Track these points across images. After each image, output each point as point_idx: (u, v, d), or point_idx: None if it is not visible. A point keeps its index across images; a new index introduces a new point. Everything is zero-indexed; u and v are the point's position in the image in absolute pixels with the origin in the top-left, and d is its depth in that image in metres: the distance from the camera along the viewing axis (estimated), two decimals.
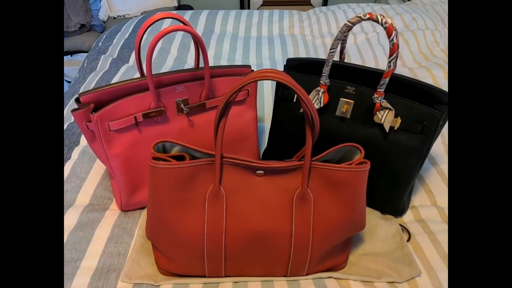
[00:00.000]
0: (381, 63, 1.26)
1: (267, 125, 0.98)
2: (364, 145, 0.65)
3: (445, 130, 0.95)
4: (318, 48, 1.35)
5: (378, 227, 0.70)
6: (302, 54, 1.30)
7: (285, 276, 0.61)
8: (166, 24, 1.39)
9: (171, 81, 0.67)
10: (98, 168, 0.81)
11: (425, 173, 0.83)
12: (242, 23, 1.50)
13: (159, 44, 1.29)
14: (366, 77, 0.70)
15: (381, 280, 0.61)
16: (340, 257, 0.63)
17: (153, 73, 0.63)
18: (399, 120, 0.64)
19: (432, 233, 0.69)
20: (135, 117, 0.63)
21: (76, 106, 0.61)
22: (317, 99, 0.68)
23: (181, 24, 0.69)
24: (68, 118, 0.96)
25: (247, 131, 0.77)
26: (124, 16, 2.25)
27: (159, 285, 0.60)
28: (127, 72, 1.13)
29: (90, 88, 1.00)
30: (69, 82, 2.01)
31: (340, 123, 0.69)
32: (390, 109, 0.64)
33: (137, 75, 1.12)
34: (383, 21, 0.57)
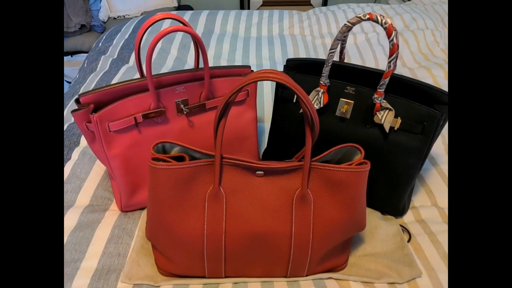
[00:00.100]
0: (381, 63, 1.26)
1: (267, 125, 0.98)
2: (364, 146, 0.65)
3: (445, 130, 0.95)
4: (318, 48, 1.35)
5: (378, 227, 0.70)
6: (302, 55, 1.30)
7: (285, 276, 0.61)
8: (166, 24, 1.39)
9: (171, 82, 0.67)
10: (98, 169, 0.81)
11: (425, 174, 0.83)
12: (242, 23, 1.50)
13: (159, 45, 1.29)
14: (366, 77, 0.70)
15: (382, 281, 0.61)
16: (340, 258, 0.63)
17: (153, 73, 0.63)
18: (399, 120, 0.64)
19: (433, 234, 0.69)
20: (135, 117, 0.63)
21: (76, 107, 0.61)
22: (317, 99, 0.68)
23: (181, 24, 0.69)
24: (68, 119, 0.96)
25: (247, 131, 0.77)
26: (124, 17, 2.25)
27: (159, 286, 0.60)
28: (127, 72, 1.13)
29: (90, 89, 1.00)
30: (69, 82, 2.01)
31: (340, 124, 0.69)
32: (390, 109, 0.64)
33: (137, 75, 1.12)
34: (383, 21, 0.57)
